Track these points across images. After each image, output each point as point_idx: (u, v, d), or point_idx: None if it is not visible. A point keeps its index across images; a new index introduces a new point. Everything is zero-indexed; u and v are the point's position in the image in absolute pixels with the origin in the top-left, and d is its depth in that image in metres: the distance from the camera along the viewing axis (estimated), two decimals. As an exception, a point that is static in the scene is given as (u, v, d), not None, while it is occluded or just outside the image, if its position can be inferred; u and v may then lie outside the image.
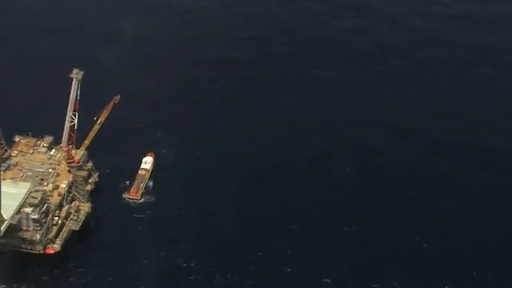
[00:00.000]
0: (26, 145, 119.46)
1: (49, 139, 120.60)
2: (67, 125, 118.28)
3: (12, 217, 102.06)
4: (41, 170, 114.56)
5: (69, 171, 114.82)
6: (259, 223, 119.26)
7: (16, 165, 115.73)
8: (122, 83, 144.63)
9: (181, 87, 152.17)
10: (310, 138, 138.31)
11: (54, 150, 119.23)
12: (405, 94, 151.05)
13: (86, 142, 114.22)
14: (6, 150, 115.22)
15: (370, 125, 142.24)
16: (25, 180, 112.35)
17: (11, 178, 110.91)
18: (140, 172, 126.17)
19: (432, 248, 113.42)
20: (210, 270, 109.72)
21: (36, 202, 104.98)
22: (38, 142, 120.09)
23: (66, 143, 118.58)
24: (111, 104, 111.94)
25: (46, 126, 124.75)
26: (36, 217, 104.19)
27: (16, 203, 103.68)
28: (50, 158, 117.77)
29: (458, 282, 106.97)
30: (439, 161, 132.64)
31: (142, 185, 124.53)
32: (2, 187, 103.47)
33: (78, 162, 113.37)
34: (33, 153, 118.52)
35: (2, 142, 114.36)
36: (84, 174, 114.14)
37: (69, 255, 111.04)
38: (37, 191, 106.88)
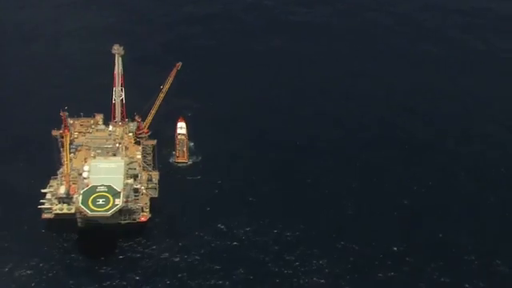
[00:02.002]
0: (82, 125, 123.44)
1: (100, 117, 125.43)
2: (117, 100, 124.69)
3: (124, 188, 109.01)
4: (109, 146, 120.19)
5: (137, 143, 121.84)
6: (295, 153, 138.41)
7: (82, 145, 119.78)
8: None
9: (175, 47, 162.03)
10: (306, 69, 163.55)
11: (111, 127, 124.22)
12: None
13: (153, 112, 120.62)
14: (71, 133, 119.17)
15: (358, 54, 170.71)
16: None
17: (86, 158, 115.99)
18: (179, 137, 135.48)
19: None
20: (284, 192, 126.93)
21: (136, 172, 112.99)
22: (92, 121, 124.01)
23: (119, 117, 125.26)
24: (174, 71, 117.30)
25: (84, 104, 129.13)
26: (138, 186, 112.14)
27: (121, 176, 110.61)
28: (110, 135, 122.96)
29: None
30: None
31: (184, 148, 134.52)
32: (100, 163, 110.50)
33: (147, 132, 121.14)
34: (92, 132, 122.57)
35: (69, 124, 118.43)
36: (154, 142, 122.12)
37: (148, 223, 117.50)
38: (132, 162, 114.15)
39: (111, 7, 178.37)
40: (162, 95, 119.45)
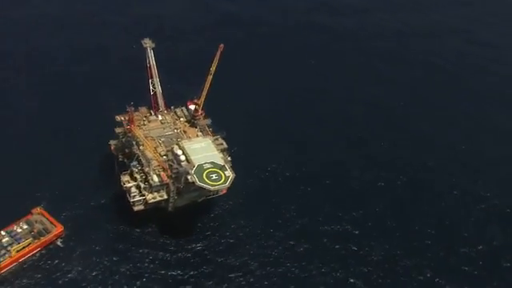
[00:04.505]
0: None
1: (144, 109, 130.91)
2: (158, 90, 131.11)
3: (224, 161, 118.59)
4: (170, 133, 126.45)
5: (193, 125, 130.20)
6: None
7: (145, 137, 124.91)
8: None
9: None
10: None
11: (160, 116, 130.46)
12: None
13: (204, 93, 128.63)
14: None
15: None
16: (165, 144, 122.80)
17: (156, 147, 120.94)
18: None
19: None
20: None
21: (225, 146, 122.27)
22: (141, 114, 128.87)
23: (163, 106, 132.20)
24: (218, 53, 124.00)
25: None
26: (229, 159, 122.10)
27: (216, 152, 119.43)
28: (163, 123, 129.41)
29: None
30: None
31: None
32: (192, 145, 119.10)
33: (202, 114, 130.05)
34: (146, 123, 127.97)
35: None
36: (208, 122, 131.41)
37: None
38: (217, 139, 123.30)
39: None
40: (210, 77, 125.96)
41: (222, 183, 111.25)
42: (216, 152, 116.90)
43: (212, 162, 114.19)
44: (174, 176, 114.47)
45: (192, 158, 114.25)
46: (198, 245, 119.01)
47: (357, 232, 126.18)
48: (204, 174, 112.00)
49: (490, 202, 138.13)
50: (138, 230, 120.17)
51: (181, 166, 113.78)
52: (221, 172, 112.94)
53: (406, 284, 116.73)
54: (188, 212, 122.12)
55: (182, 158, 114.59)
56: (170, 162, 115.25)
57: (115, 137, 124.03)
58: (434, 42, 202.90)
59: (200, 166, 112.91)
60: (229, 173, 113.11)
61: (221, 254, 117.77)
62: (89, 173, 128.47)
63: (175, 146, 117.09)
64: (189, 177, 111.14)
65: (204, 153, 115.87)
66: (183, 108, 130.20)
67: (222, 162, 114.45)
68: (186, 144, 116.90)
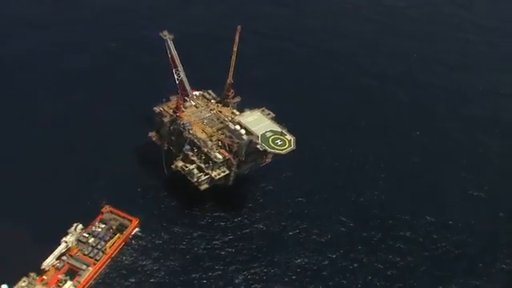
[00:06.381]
0: (170, 108, 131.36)
1: (175, 97, 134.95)
2: (183, 77, 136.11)
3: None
4: (208, 115, 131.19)
5: (225, 104, 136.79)
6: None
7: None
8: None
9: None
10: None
11: (192, 101, 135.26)
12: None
13: (231, 74, 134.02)
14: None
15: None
16: (208, 125, 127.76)
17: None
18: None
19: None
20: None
21: (273, 115, 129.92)
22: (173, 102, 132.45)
23: (191, 92, 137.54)
24: (237, 35, 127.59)
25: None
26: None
27: (269, 121, 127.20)
28: (197, 107, 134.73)
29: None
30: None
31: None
32: (246, 118, 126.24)
33: (232, 92, 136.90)
34: (183, 110, 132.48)
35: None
36: (239, 100, 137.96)
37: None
38: (263, 110, 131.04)
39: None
40: (233, 57, 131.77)
41: (287, 146, 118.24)
42: (269, 121, 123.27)
43: (271, 130, 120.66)
44: (234, 151, 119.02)
45: (253, 129, 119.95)
46: (258, 215, 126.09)
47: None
48: (270, 141, 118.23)
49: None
50: (198, 208, 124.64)
51: (242, 140, 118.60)
52: (282, 137, 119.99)
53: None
54: (236, 186, 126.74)
55: (242, 131, 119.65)
56: (229, 139, 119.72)
57: (155, 127, 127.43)
58: None
59: (263, 135, 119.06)
60: (289, 136, 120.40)
61: (279, 223, 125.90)
62: (132, 166, 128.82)
63: (230, 124, 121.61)
64: (258, 146, 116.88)
65: (260, 123, 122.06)
66: (209, 91, 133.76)
67: (279, 129, 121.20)
68: (240, 118, 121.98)
